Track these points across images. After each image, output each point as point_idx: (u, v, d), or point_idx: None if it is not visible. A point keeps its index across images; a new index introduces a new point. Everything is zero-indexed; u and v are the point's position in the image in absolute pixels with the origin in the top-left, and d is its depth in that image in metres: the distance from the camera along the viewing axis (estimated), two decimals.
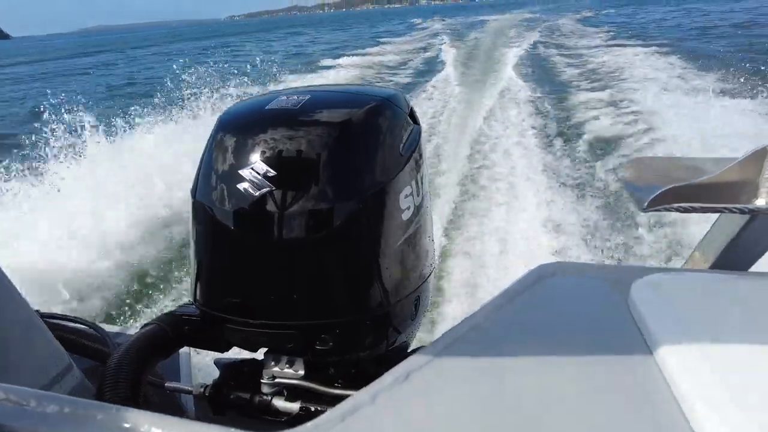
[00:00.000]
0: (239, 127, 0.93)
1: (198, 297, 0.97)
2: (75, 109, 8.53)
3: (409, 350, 1.09)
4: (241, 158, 0.88)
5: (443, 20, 48.74)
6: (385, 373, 0.66)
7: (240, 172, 0.87)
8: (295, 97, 0.95)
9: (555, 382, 0.65)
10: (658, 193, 0.90)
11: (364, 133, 0.93)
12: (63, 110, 8.37)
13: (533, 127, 9.80)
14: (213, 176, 0.91)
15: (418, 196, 0.96)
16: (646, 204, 0.90)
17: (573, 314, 0.82)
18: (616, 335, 0.75)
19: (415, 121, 1.02)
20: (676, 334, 0.69)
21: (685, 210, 0.90)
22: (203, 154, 0.95)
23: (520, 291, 0.85)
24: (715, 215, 1.07)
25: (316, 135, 0.89)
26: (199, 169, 0.95)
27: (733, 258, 1.06)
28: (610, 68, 14.75)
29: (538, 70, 16.23)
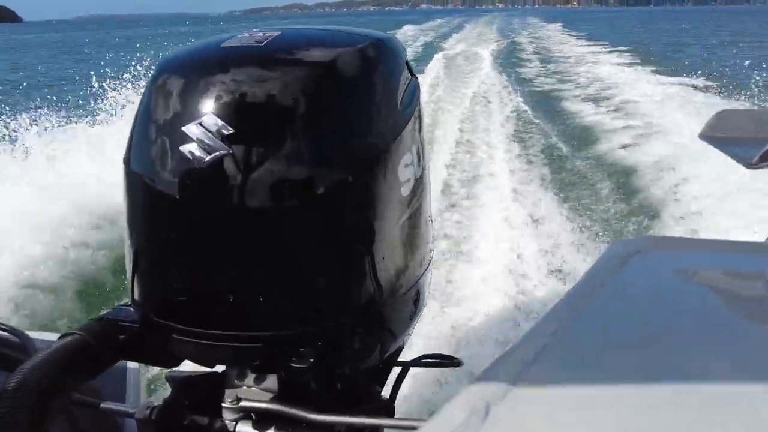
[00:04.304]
0: (183, 70, 0.73)
1: (135, 297, 0.77)
2: None
3: (401, 359, 0.89)
4: (186, 111, 0.68)
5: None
6: (447, 405, 0.44)
7: (185, 129, 0.67)
8: (261, 34, 0.74)
9: (707, 391, 0.45)
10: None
11: (356, 78, 0.72)
12: None
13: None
14: (151, 137, 0.71)
15: (418, 165, 0.79)
16: (755, 159, 0.75)
17: (692, 298, 0.62)
18: None
19: (412, 73, 0.86)
20: None
21: None
22: (138, 109, 0.75)
23: (607, 275, 0.65)
24: None
25: (290, 79, 0.68)
26: (134, 128, 0.75)
27: None
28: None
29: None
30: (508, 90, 13.27)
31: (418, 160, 0.80)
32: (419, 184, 0.80)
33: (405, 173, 0.75)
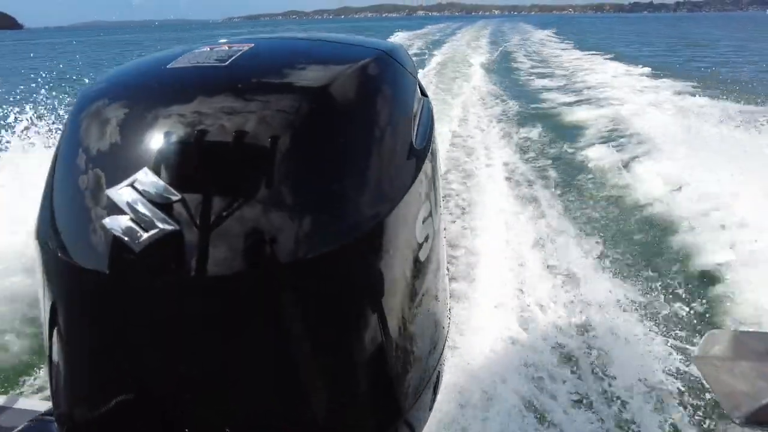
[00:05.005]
0: (110, 105, 0.51)
1: (57, 409, 0.57)
2: None
3: None
4: (113, 165, 0.47)
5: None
6: None
7: (111, 193, 0.46)
8: (225, 48, 0.55)
9: None
10: None
11: (359, 107, 0.53)
12: None
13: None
14: (67, 202, 0.52)
15: (436, 213, 0.60)
16: None
17: None
18: None
19: (423, 92, 0.65)
20: None
21: None
22: (53, 160, 0.55)
23: None
24: None
25: (267, 114, 0.48)
26: (47, 186, 0.55)
27: None
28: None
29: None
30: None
31: (435, 207, 0.60)
32: (437, 239, 0.60)
33: (423, 231, 0.56)
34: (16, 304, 3.33)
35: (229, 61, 0.52)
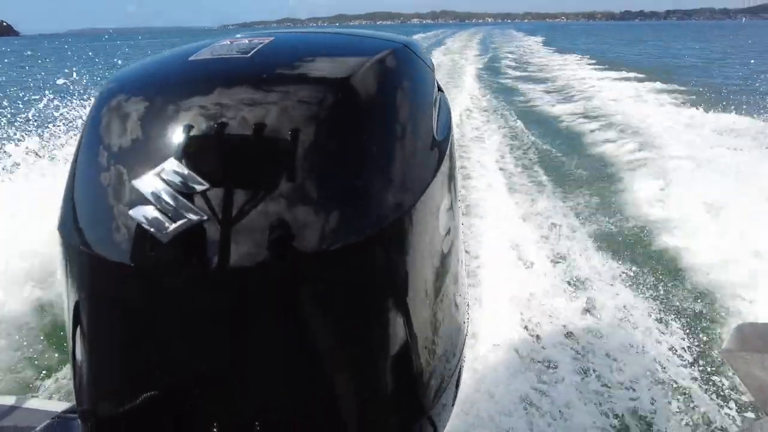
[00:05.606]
0: (134, 96, 0.51)
1: (80, 406, 0.56)
2: None
3: None
4: (139, 156, 0.47)
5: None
6: None
7: (137, 184, 0.46)
8: (246, 41, 0.56)
9: None
10: None
11: (381, 98, 0.53)
12: None
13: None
14: (91, 195, 0.51)
15: (456, 205, 0.60)
16: None
17: None
18: None
19: (439, 86, 0.65)
20: None
21: None
22: (76, 153, 0.55)
23: None
24: None
25: (289, 104, 0.48)
26: (69, 180, 0.54)
27: None
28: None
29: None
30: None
31: (455, 199, 0.60)
32: (458, 230, 0.60)
33: (445, 222, 0.56)
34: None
35: (252, 52, 0.52)
